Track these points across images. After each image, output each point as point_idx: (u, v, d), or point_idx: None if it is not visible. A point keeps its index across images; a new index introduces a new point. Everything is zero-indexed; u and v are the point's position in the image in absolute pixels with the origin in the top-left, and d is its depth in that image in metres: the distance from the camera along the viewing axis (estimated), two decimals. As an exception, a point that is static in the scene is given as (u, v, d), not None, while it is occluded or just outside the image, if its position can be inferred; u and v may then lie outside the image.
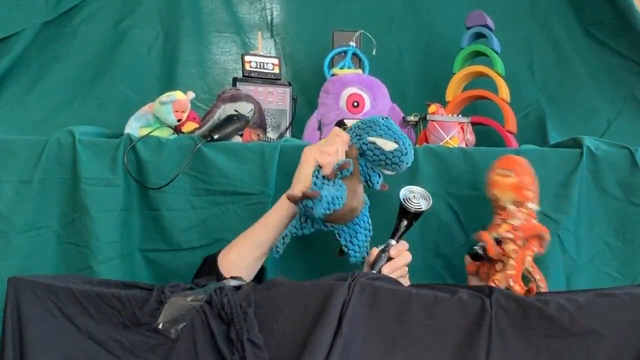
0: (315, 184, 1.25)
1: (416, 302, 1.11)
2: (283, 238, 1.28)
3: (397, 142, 1.27)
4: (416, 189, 1.33)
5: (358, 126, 1.31)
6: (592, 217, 1.44)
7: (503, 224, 1.25)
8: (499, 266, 1.25)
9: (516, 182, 1.25)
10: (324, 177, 1.25)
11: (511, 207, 1.25)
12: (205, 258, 1.35)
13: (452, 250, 1.44)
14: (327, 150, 1.27)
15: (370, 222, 1.33)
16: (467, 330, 1.10)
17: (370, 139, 1.28)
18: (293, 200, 1.23)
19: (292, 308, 1.11)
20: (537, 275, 1.24)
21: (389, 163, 1.29)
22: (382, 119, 1.30)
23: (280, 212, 1.30)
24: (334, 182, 1.25)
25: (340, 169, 1.25)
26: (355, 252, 1.31)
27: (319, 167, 1.26)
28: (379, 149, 1.28)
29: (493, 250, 1.23)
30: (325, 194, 1.21)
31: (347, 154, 1.28)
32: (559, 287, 1.37)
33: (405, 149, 1.28)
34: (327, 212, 1.21)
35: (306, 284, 1.15)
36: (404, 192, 1.31)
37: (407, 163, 1.30)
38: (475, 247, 1.25)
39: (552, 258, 1.39)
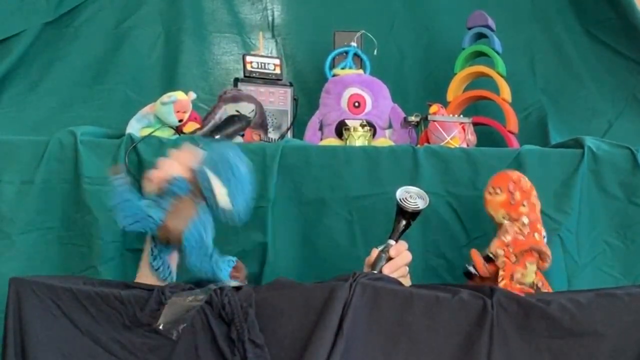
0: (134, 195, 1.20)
1: (417, 302, 1.11)
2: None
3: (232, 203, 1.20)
4: (412, 188, 1.33)
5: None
6: (593, 218, 1.44)
7: (496, 240, 1.25)
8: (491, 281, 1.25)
9: (506, 199, 1.25)
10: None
11: (506, 223, 1.25)
12: None
13: (453, 251, 1.44)
14: (161, 167, 1.21)
15: (208, 242, 1.23)
16: (468, 330, 1.09)
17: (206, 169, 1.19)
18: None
19: (293, 308, 1.11)
20: (546, 290, 1.25)
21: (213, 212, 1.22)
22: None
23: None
24: (161, 198, 1.20)
25: (168, 190, 1.20)
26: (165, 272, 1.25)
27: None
28: (211, 190, 1.19)
29: (482, 269, 1.23)
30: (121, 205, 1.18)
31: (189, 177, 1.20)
32: (561, 287, 1.37)
33: (237, 215, 1.21)
34: (126, 225, 1.18)
35: (307, 285, 1.15)
36: (400, 192, 1.31)
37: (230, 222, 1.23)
38: (467, 266, 1.27)
39: (554, 258, 1.39)
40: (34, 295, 1.14)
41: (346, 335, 1.07)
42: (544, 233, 1.26)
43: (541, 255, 1.23)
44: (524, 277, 1.23)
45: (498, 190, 1.25)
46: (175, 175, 1.20)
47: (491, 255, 1.24)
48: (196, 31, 1.96)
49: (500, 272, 1.22)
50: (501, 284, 1.21)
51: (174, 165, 1.22)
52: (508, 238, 1.23)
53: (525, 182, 1.27)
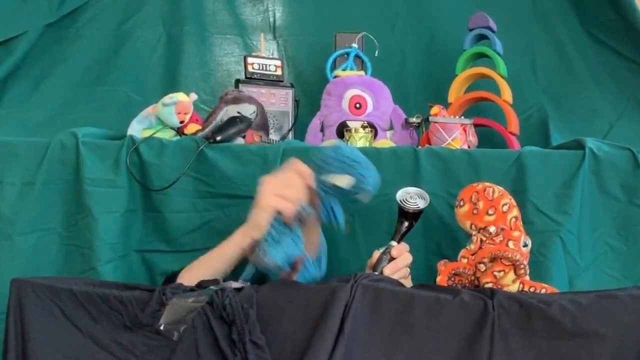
0: (271, 233, 1.19)
1: (418, 303, 1.11)
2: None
3: (350, 174, 1.21)
4: (412, 189, 1.33)
5: (315, 166, 1.23)
6: (594, 219, 1.44)
7: (462, 250, 1.24)
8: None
9: (469, 210, 1.24)
10: (281, 222, 1.20)
11: (474, 233, 1.24)
12: (169, 275, 1.35)
13: (454, 252, 1.43)
14: (287, 195, 1.20)
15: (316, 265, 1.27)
16: (469, 331, 1.09)
17: (327, 179, 1.21)
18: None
19: (294, 309, 1.11)
20: (485, 279, 1.23)
21: (356, 194, 1.23)
22: (332, 150, 1.23)
23: (236, 247, 1.25)
24: (290, 229, 1.21)
25: (299, 218, 1.21)
26: None
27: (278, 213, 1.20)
28: (339, 187, 1.22)
29: (443, 282, 1.22)
30: (279, 257, 1.17)
31: (309, 197, 1.22)
32: (562, 288, 1.37)
33: (362, 175, 1.22)
34: (281, 270, 1.19)
35: (309, 285, 1.15)
36: (400, 193, 1.32)
37: (372, 187, 1.24)
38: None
39: (555, 260, 1.40)
40: (35, 296, 1.14)
41: (347, 336, 1.07)
42: (526, 241, 1.24)
43: (514, 263, 1.21)
44: (499, 286, 1.21)
45: (461, 203, 1.25)
46: (303, 203, 1.21)
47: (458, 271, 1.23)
48: (197, 32, 1.96)
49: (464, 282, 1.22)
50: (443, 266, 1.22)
51: (299, 190, 1.21)
52: (471, 247, 1.23)
53: (493, 191, 1.24)
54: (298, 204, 1.20)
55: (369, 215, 1.43)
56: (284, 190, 1.20)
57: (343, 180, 1.21)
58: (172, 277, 1.31)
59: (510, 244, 1.21)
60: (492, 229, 1.23)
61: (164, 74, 1.92)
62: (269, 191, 1.21)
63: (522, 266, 1.20)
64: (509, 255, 1.19)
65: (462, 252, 1.24)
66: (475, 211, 1.24)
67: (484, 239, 1.23)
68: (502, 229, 1.22)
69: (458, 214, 1.27)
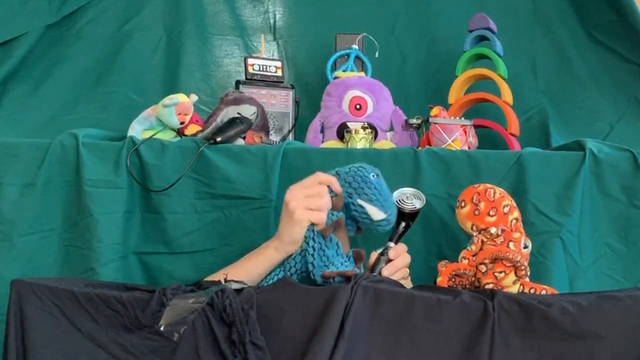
0: (309, 243, 1.25)
1: (418, 304, 1.11)
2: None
3: (385, 213, 1.26)
4: (408, 190, 1.33)
5: (350, 180, 1.27)
6: (594, 220, 1.44)
7: (463, 250, 1.24)
8: None
9: (470, 210, 1.24)
10: (318, 232, 1.25)
11: (475, 234, 1.24)
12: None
13: (454, 253, 1.43)
14: (318, 206, 1.22)
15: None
16: (470, 332, 1.09)
17: (360, 202, 1.25)
18: (329, 278, 1.21)
19: (294, 310, 1.11)
20: (486, 280, 1.23)
21: (370, 227, 1.28)
22: (373, 175, 1.27)
23: (269, 262, 1.27)
24: (330, 239, 1.26)
25: (334, 225, 1.25)
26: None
27: (312, 225, 1.24)
28: (366, 213, 1.26)
29: (443, 283, 1.22)
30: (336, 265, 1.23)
31: (334, 203, 1.25)
32: (562, 289, 1.37)
33: (391, 219, 1.28)
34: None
35: (309, 286, 1.15)
36: (396, 194, 1.32)
37: (387, 229, 1.29)
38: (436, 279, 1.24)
39: (555, 260, 1.40)
40: (35, 297, 1.14)
41: (347, 337, 1.07)
42: (527, 242, 1.24)
43: (515, 265, 1.21)
44: (500, 287, 1.21)
45: (463, 203, 1.25)
46: (332, 211, 1.25)
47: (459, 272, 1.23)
48: (198, 34, 1.96)
49: (465, 282, 1.22)
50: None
51: (327, 198, 1.23)
52: (472, 248, 1.23)
53: (494, 192, 1.24)
54: (327, 211, 1.23)
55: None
56: (312, 201, 1.22)
57: (376, 213, 1.26)
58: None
59: (511, 245, 1.21)
60: (493, 230, 1.23)
61: (165, 75, 1.93)
62: (298, 205, 1.22)
63: (522, 267, 1.20)
64: (510, 257, 1.19)
65: (463, 252, 1.24)
66: (476, 212, 1.24)
67: (485, 240, 1.23)
68: (503, 230, 1.22)
69: (459, 214, 1.26)
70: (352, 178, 1.27)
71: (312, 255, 1.24)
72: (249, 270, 1.27)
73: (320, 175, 1.26)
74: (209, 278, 1.27)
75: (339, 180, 1.27)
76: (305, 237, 1.25)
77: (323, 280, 1.22)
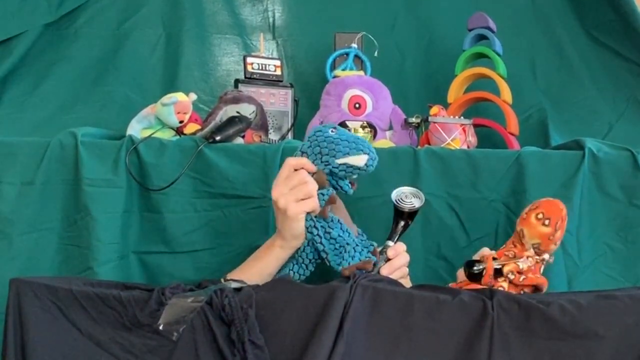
0: (314, 232, 1.25)
1: (418, 303, 1.11)
2: None
3: (366, 153, 1.25)
4: (407, 189, 1.33)
5: (318, 150, 1.25)
6: (594, 219, 1.44)
7: (511, 262, 1.20)
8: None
9: (549, 233, 1.20)
10: (316, 217, 1.25)
11: (529, 252, 1.22)
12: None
13: (453, 252, 1.44)
14: (306, 194, 1.21)
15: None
16: (469, 332, 1.09)
17: (339, 161, 1.24)
18: (349, 274, 1.21)
19: (293, 309, 1.11)
20: None
21: (362, 173, 1.27)
22: (332, 130, 1.26)
23: (278, 260, 1.28)
24: (331, 219, 1.26)
25: (329, 204, 1.25)
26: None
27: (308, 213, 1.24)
28: (352, 166, 1.25)
29: (487, 280, 1.20)
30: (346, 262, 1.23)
31: (318, 181, 1.24)
32: (561, 289, 1.37)
33: (372, 152, 1.26)
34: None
35: (308, 285, 1.15)
36: (395, 193, 1.32)
37: (375, 164, 1.28)
38: (474, 267, 1.22)
39: (554, 260, 1.39)
40: (34, 296, 1.14)
41: (346, 336, 1.07)
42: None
43: (537, 289, 1.21)
44: None
45: (546, 221, 1.20)
46: (320, 191, 1.24)
47: (499, 271, 1.20)
48: (197, 32, 1.96)
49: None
50: None
51: (310, 182, 1.22)
52: (524, 267, 1.20)
53: (566, 219, 1.22)
54: (316, 193, 1.23)
55: (367, 215, 1.43)
56: (299, 191, 1.22)
57: (358, 159, 1.24)
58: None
59: (540, 270, 1.22)
60: (546, 256, 1.22)
61: (163, 74, 1.92)
62: (287, 200, 1.21)
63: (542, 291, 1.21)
64: (544, 289, 1.20)
65: (513, 266, 1.20)
66: (551, 237, 1.21)
67: (534, 262, 1.21)
68: (546, 258, 1.22)
69: (536, 228, 1.21)
70: (318, 146, 1.26)
71: (321, 242, 1.25)
72: (260, 270, 1.27)
73: (291, 161, 1.24)
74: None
75: (307, 157, 1.26)
76: (308, 227, 1.25)
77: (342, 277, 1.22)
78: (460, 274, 1.28)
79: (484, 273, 1.20)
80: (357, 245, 1.26)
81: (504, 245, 1.26)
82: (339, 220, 1.27)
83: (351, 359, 1.08)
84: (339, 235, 1.25)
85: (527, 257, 1.21)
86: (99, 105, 1.85)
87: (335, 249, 1.25)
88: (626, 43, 1.86)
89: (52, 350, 1.13)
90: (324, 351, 1.06)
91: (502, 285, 1.19)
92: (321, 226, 1.26)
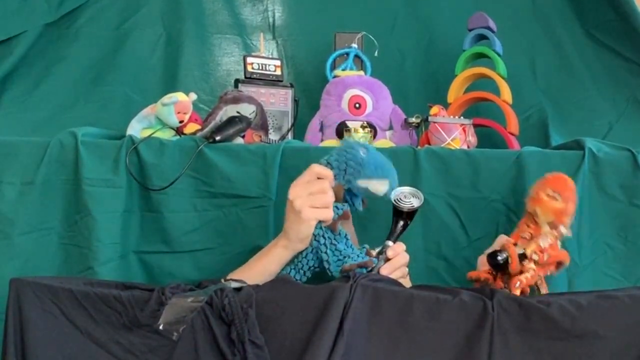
0: (320, 241, 1.26)
1: (418, 303, 1.11)
2: None
3: (388, 182, 1.26)
4: (406, 188, 1.33)
5: (344, 167, 1.25)
6: (594, 219, 1.44)
7: (531, 243, 1.21)
8: (506, 278, 1.22)
9: (562, 208, 1.21)
10: (325, 228, 1.26)
11: (546, 229, 1.22)
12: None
13: (453, 252, 1.44)
14: (322, 203, 1.22)
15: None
16: (469, 332, 1.09)
17: (361, 183, 1.25)
18: (349, 271, 1.21)
19: (294, 309, 1.11)
20: (544, 291, 1.23)
21: (379, 198, 1.28)
22: (362, 152, 1.26)
23: (280, 261, 1.28)
24: (339, 233, 1.27)
25: (342, 218, 1.26)
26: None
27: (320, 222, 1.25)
28: (371, 192, 1.26)
29: (515, 267, 1.18)
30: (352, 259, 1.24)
31: (335, 194, 1.25)
32: (561, 288, 1.37)
33: (394, 181, 1.27)
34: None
35: (308, 285, 1.15)
36: (394, 193, 1.32)
37: (391, 192, 1.29)
38: (498, 257, 1.19)
39: (554, 260, 1.40)
40: (34, 295, 1.14)
41: (347, 336, 1.07)
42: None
43: (559, 265, 1.21)
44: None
45: (557, 196, 1.21)
46: (336, 204, 1.25)
47: (524, 255, 1.19)
48: (197, 32, 1.96)
49: (525, 276, 1.18)
50: (517, 288, 1.17)
51: (329, 193, 1.23)
52: (545, 244, 1.20)
53: (576, 192, 1.23)
54: (332, 207, 1.23)
55: (366, 215, 1.43)
56: (317, 199, 1.22)
57: (380, 186, 1.25)
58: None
59: (559, 244, 1.22)
60: (563, 230, 1.21)
61: (164, 74, 1.92)
62: (303, 204, 1.21)
63: (564, 268, 1.22)
64: (567, 262, 1.21)
65: (535, 246, 1.19)
66: (564, 211, 1.21)
67: (552, 238, 1.21)
68: (562, 231, 1.22)
69: (547, 204, 1.21)
70: (345, 164, 1.26)
71: (325, 252, 1.25)
72: (261, 270, 1.27)
73: (316, 168, 1.25)
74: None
75: (332, 169, 1.26)
76: (315, 235, 1.26)
77: (342, 275, 1.22)
78: (482, 260, 1.27)
79: (510, 261, 1.19)
80: (358, 256, 1.26)
81: (517, 228, 1.26)
82: (345, 235, 1.28)
83: (351, 359, 1.08)
84: (344, 249, 1.26)
85: (545, 234, 1.21)
86: (99, 105, 1.85)
87: (339, 259, 1.25)
88: (626, 43, 1.86)
89: (52, 350, 1.13)
90: (324, 351, 1.06)
91: (531, 267, 1.18)
92: (328, 237, 1.26)
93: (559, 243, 1.24)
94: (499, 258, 1.19)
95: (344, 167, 1.26)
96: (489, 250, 1.23)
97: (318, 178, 1.24)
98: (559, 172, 1.26)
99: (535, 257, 1.19)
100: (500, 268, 1.20)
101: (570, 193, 1.22)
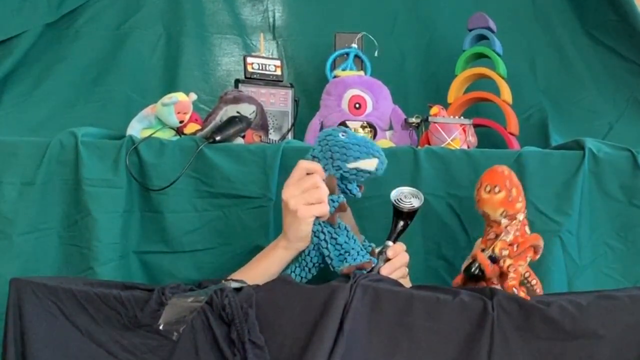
0: (320, 237, 1.25)
1: (418, 303, 1.11)
2: None
3: (376, 157, 1.26)
4: (406, 189, 1.33)
5: (329, 155, 1.26)
6: (594, 219, 1.44)
7: (497, 241, 1.21)
8: (495, 279, 1.22)
9: (504, 197, 1.21)
10: (324, 223, 1.26)
11: (504, 222, 1.22)
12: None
13: (453, 252, 1.44)
14: (317, 198, 1.21)
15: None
16: (469, 332, 1.10)
17: (351, 165, 1.25)
18: (348, 272, 1.21)
19: (294, 309, 1.11)
20: (533, 281, 1.21)
21: (371, 176, 1.28)
22: (342, 134, 1.26)
23: (282, 261, 1.28)
24: (338, 226, 1.26)
25: (339, 211, 1.25)
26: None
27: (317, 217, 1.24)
28: (362, 170, 1.26)
29: (490, 271, 1.19)
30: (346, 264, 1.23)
31: (328, 187, 1.24)
32: (561, 289, 1.37)
33: (382, 155, 1.27)
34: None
35: (308, 285, 1.15)
36: (394, 193, 1.32)
37: (384, 167, 1.29)
38: (471, 269, 1.21)
39: (554, 260, 1.39)
40: (34, 296, 1.14)
41: (347, 336, 1.07)
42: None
43: (536, 249, 1.21)
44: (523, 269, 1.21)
45: (496, 189, 1.22)
46: (331, 197, 1.24)
47: (494, 257, 1.21)
48: (197, 32, 1.96)
49: (511, 274, 1.18)
50: (511, 285, 1.17)
51: (322, 187, 1.22)
52: (510, 237, 1.21)
53: (515, 177, 1.24)
54: (327, 200, 1.23)
55: (367, 215, 1.43)
56: (311, 195, 1.21)
57: (369, 164, 1.25)
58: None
59: (527, 229, 1.22)
60: (520, 216, 1.21)
61: (164, 74, 1.92)
62: (298, 202, 1.21)
63: (541, 250, 1.21)
64: (541, 244, 1.20)
65: (500, 244, 1.20)
66: (510, 198, 1.21)
67: (514, 228, 1.21)
68: (520, 218, 1.22)
69: (491, 200, 1.22)
70: (330, 151, 1.26)
71: (327, 248, 1.25)
72: (263, 271, 1.27)
73: (304, 164, 1.25)
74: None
75: (319, 161, 1.26)
76: (315, 232, 1.25)
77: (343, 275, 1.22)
78: (460, 278, 1.27)
79: (482, 268, 1.20)
80: (360, 250, 1.25)
81: (483, 235, 1.27)
82: (345, 227, 1.27)
83: (351, 359, 1.08)
84: (345, 242, 1.25)
85: (506, 227, 1.22)
86: (99, 105, 1.85)
87: (340, 254, 1.25)
88: (626, 43, 1.86)
89: (52, 350, 1.13)
90: (324, 351, 1.06)
91: (508, 264, 1.18)
92: (328, 231, 1.26)
93: (526, 229, 1.23)
94: (473, 270, 1.21)
95: (329, 154, 1.26)
96: (464, 265, 1.25)
97: (308, 174, 1.23)
98: (493, 166, 1.26)
99: (505, 252, 1.20)
100: (479, 278, 1.22)
101: (506, 180, 1.22)
